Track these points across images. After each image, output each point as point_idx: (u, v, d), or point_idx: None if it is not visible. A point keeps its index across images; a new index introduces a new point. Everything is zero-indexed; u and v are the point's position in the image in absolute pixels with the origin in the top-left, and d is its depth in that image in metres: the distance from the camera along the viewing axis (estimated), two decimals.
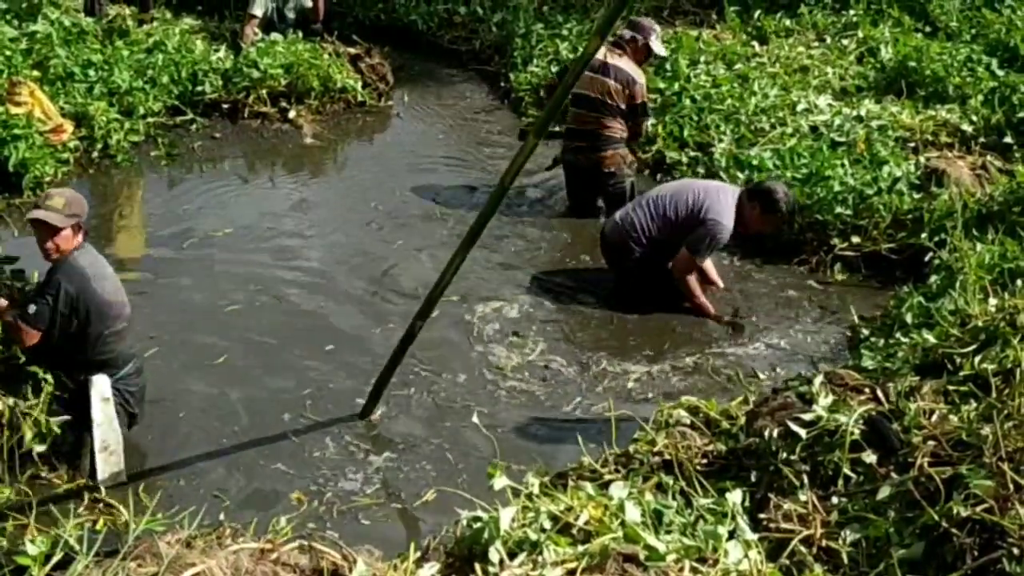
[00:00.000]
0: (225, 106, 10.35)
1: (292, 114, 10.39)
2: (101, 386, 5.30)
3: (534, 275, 7.70)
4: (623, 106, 8.21)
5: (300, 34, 11.13)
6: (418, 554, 4.28)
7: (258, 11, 11.19)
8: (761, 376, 6.48)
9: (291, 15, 11.52)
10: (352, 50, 11.29)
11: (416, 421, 5.99)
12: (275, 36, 10.98)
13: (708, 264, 7.45)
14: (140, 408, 5.63)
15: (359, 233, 8.31)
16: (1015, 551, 3.82)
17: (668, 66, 10.48)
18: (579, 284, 7.61)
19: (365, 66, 11.14)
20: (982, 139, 9.02)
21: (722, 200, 7.10)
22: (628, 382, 6.38)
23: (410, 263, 7.82)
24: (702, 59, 10.72)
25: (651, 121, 8.57)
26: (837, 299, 7.47)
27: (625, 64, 8.26)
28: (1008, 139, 8.90)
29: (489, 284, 7.54)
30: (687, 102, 9.85)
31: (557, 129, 8.60)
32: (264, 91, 10.37)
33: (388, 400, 5.99)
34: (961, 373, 5.05)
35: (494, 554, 3.98)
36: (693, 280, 7.19)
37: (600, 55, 8.06)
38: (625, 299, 7.28)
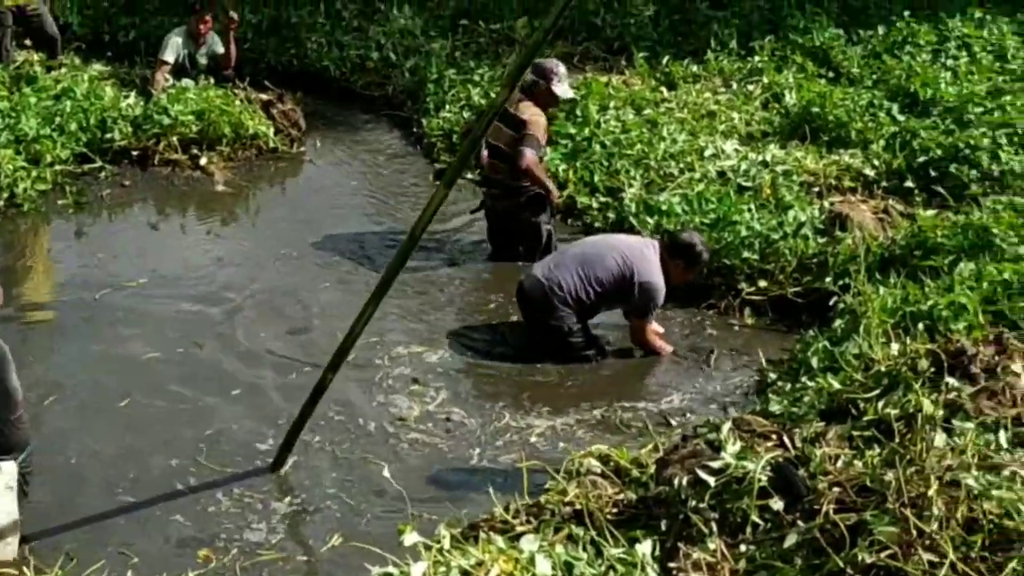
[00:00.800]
0: (135, 153, 10.20)
1: (203, 161, 10.26)
2: (7, 474, 5.02)
3: (447, 326, 7.66)
4: None
5: (212, 80, 11.05)
6: None
7: (169, 57, 11.09)
8: (672, 423, 6.47)
9: (203, 61, 11.43)
10: (264, 96, 11.23)
11: (322, 472, 5.88)
12: (186, 82, 10.92)
13: None
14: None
15: (272, 280, 8.21)
16: None
17: (578, 111, 10.54)
18: (492, 336, 7.56)
19: (277, 112, 11.07)
20: (884, 183, 9.18)
21: (648, 258, 7.14)
22: (531, 435, 6.32)
23: (322, 311, 7.75)
24: (612, 104, 10.78)
25: (533, 154, 8.19)
26: (746, 343, 7.48)
27: (525, 110, 8.24)
28: (909, 183, 9.05)
29: (401, 334, 7.47)
30: (597, 147, 9.89)
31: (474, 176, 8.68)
32: (175, 138, 10.24)
33: (294, 450, 5.89)
34: (865, 418, 5.12)
35: None
36: (655, 339, 7.30)
37: (509, 105, 8.06)
38: (537, 353, 7.25)
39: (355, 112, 12.38)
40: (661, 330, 7.48)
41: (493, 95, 8.62)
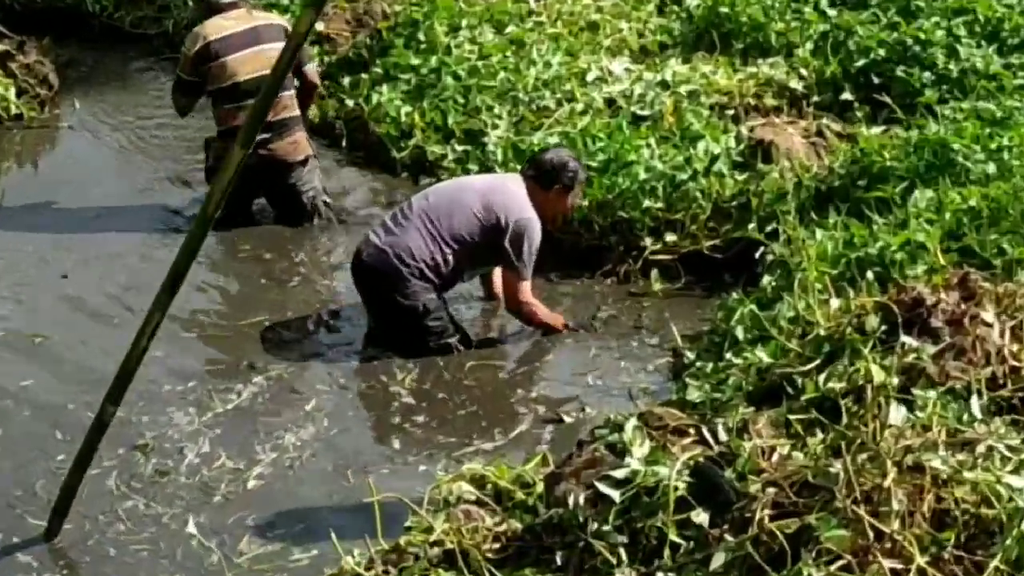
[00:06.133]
0: None
1: None
2: None
3: (252, 320, 7.69)
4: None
5: None
6: None
7: None
8: (567, 420, 6.58)
9: None
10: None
11: (113, 537, 5.83)
12: None
13: (497, 273, 7.56)
14: None
15: (36, 289, 8.14)
16: None
17: (421, 35, 10.50)
18: (317, 326, 7.65)
19: (18, 66, 10.85)
20: (815, 98, 9.29)
21: (515, 191, 7.28)
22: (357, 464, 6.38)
23: (100, 322, 7.74)
24: (464, 24, 10.67)
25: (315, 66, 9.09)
26: (655, 315, 7.68)
27: (266, 16, 8.97)
28: (847, 95, 9.18)
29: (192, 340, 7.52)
30: (449, 80, 9.88)
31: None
32: None
33: (76, 510, 5.81)
34: (803, 397, 5.25)
35: None
36: (533, 303, 7.30)
37: (243, 24, 8.68)
38: (381, 346, 7.34)
39: (126, 58, 12.19)
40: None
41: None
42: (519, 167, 8.42)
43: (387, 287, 7.23)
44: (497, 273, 7.54)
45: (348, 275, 7.68)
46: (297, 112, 8.77)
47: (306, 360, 7.32)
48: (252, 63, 8.48)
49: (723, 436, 4.98)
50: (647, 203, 8.10)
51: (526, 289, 7.25)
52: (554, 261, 7.96)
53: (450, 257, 7.22)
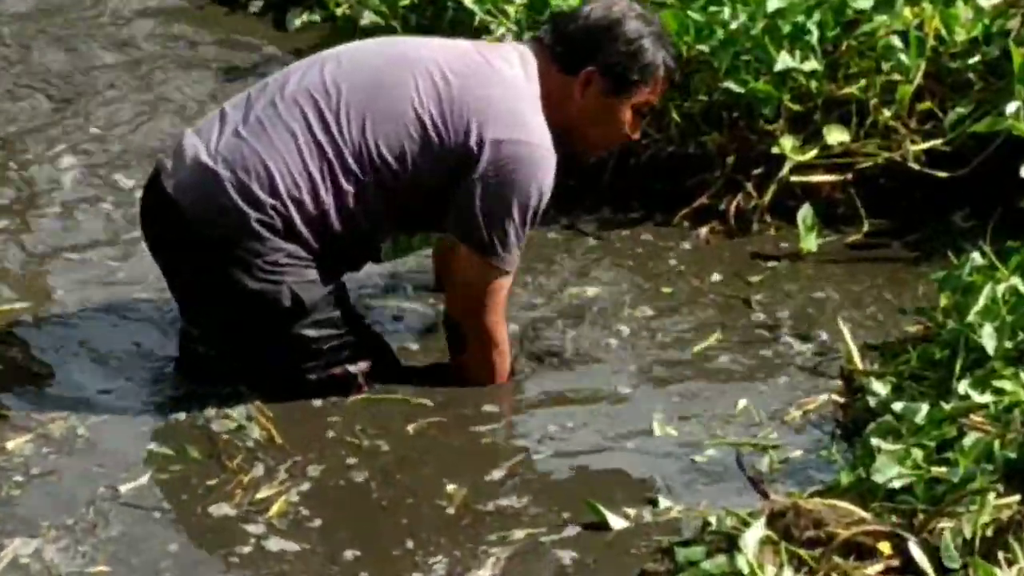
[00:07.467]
0: None
1: None
2: None
3: None
4: None
5: None
6: None
7: None
8: (616, 524, 5.67)
9: None
10: None
11: None
12: None
13: None
14: None
15: None
16: None
17: None
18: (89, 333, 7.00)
19: None
20: None
21: (509, 76, 6.50)
22: None
23: None
24: None
25: None
26: (801, 303, 7.22)
27: None
28: None
29: None
30: None
31: None
32: None
33: None
34: None
35: None
36: (500, 324, 6.56)
37: None
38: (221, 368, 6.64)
39: None
40: None
41: None
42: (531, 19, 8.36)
43: (217, 251, 6.35)
44: None
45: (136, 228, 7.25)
46: None
47: (89, 403, 6.56)
48: None
49: (953, 560, 4.46)
50: (785, 62, 7.35)
51: (497, 290, 6.53)
52: (584, 191, 7.73)
53: (350, 200, 6.39)
